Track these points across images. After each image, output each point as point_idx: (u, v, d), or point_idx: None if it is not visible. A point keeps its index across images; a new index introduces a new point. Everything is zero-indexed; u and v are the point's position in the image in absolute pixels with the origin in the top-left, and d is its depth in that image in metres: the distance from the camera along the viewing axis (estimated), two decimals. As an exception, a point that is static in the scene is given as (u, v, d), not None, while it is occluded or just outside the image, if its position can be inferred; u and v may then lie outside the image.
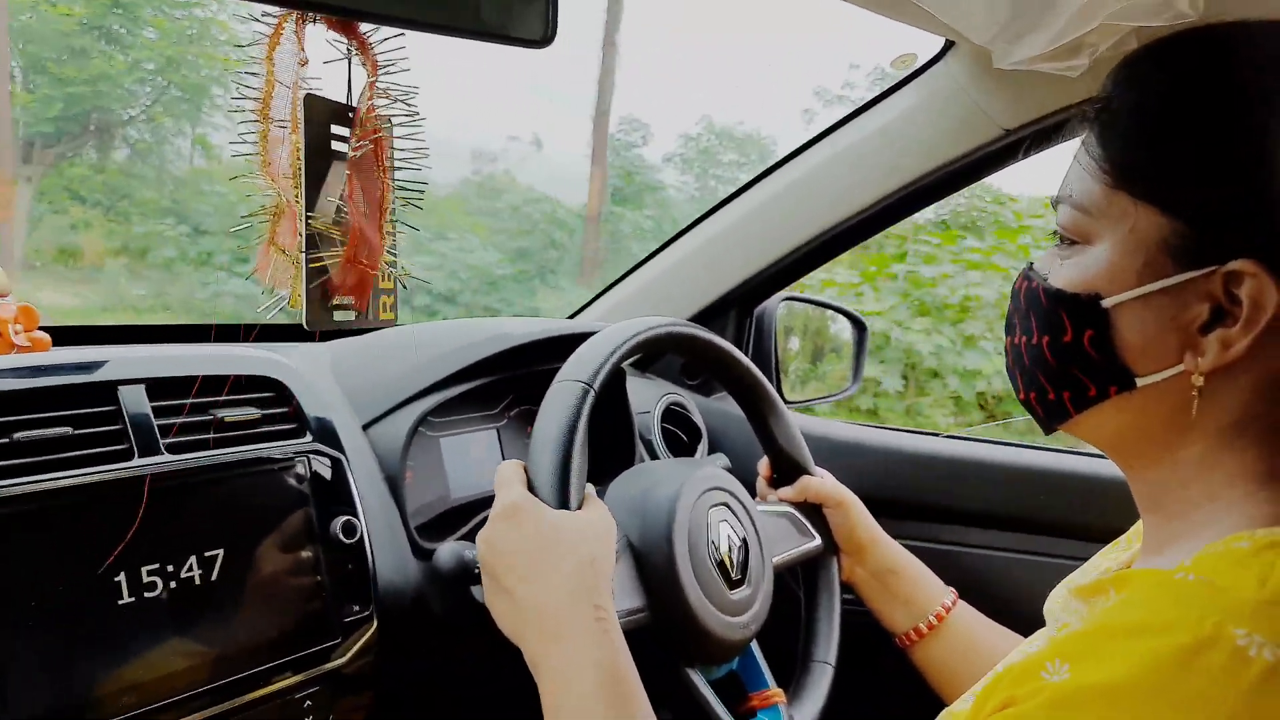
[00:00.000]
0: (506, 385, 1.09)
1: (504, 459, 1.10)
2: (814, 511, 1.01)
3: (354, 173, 0.59)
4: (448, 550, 0.81)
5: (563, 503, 0.72)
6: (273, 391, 0.82)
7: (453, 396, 0.99)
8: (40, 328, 0.87)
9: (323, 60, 0.62)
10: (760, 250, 1.32)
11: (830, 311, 1.71)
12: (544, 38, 0.66)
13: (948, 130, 1.14)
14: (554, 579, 0.67)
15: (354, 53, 0.61)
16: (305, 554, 0.78)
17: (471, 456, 1.07)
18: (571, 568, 0.68)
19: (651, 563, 0.78)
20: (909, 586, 0.96)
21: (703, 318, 1.40)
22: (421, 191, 0.64)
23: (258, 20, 0.61)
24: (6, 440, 0.65)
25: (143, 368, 0.74)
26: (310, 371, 0.89)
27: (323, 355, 1.01)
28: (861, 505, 1.01)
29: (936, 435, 1.33)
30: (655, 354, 0.88)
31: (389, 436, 0.93)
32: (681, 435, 1.29)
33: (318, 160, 0.57)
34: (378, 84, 0.61)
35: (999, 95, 1.08)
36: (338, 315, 0.61)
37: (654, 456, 1.21)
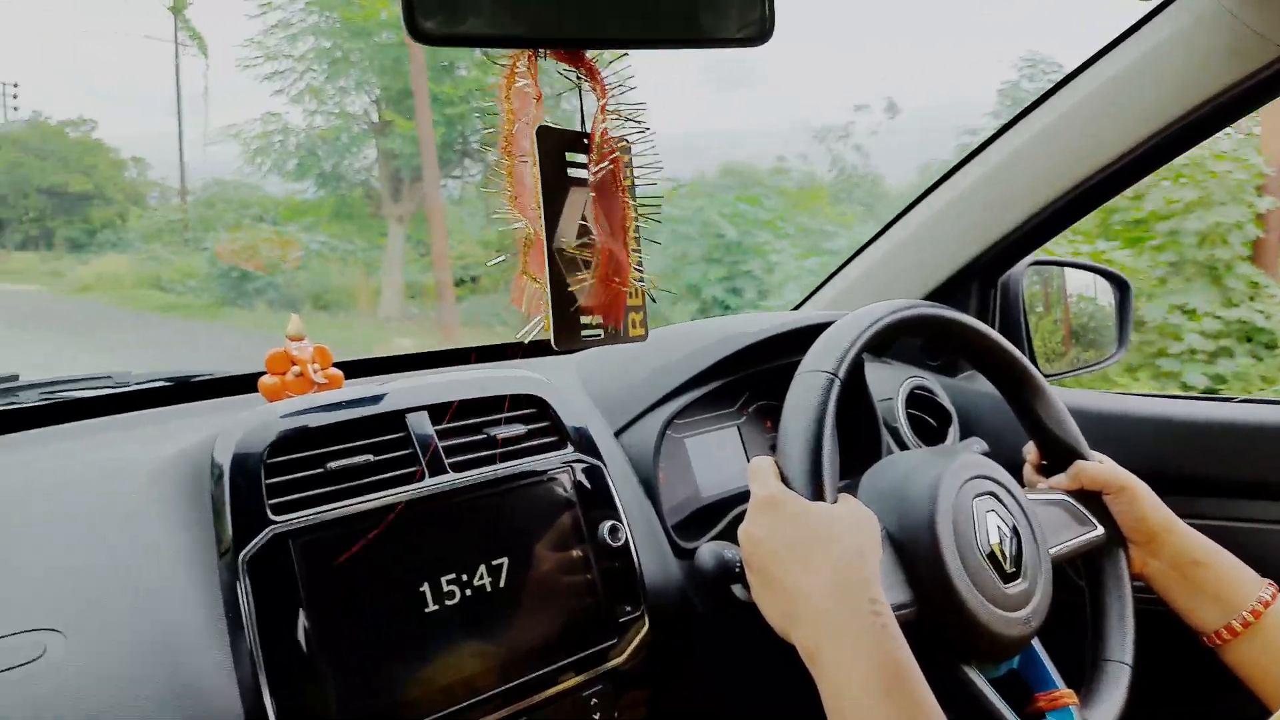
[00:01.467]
0: (743, 382, 1.10)
1: (747, 455, 1.11)
2: (1093, 499, 0.92)
3: (596, 196, 0.62)
4: (707, 550, 0.83)
5: (817, 494, 0.71)
6: (534, 408, 0.88)
7: (694, 399, 1.01)
8: (333, 363, 0.99)
9: (556, 92, 0.65)
10: (1002, 213, 1.23)
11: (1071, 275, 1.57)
12: (761, 34, 0.65)
13: (1214, 58, 1.00)
14: (823, 570, 0.66)
15: (583, 80, 0.63)
16: (578, 558, 0.83)
17: (716, 455, 1.09)
18: (839, 558, 0.66)
19: (915, 555, 0.75)
20: (1217, 578, 0.85)
21: (940, 295, 1.33)
22: (659, 205, 0.66)
23: (495, 62, 0.65)
24: (321, 470, 0.74)
25: (424, 395, 0.82)
26: (564, 385, 0.94)
27: (569, 367, 1.07)
28: (1148, 489, 0.91)
29: (1229, 399, 1.18)
30: (895, 339, 0.85)
31: (639, 441, 0.96)
32: (930, 421, 1.24)
33: (555, 189, 0.60)
34: (608, 106, 0.64)
35: (1274, 10, 0.94)
36: (586, 334, 0.64)
37: (902, 446, 1.17)
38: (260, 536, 0.69)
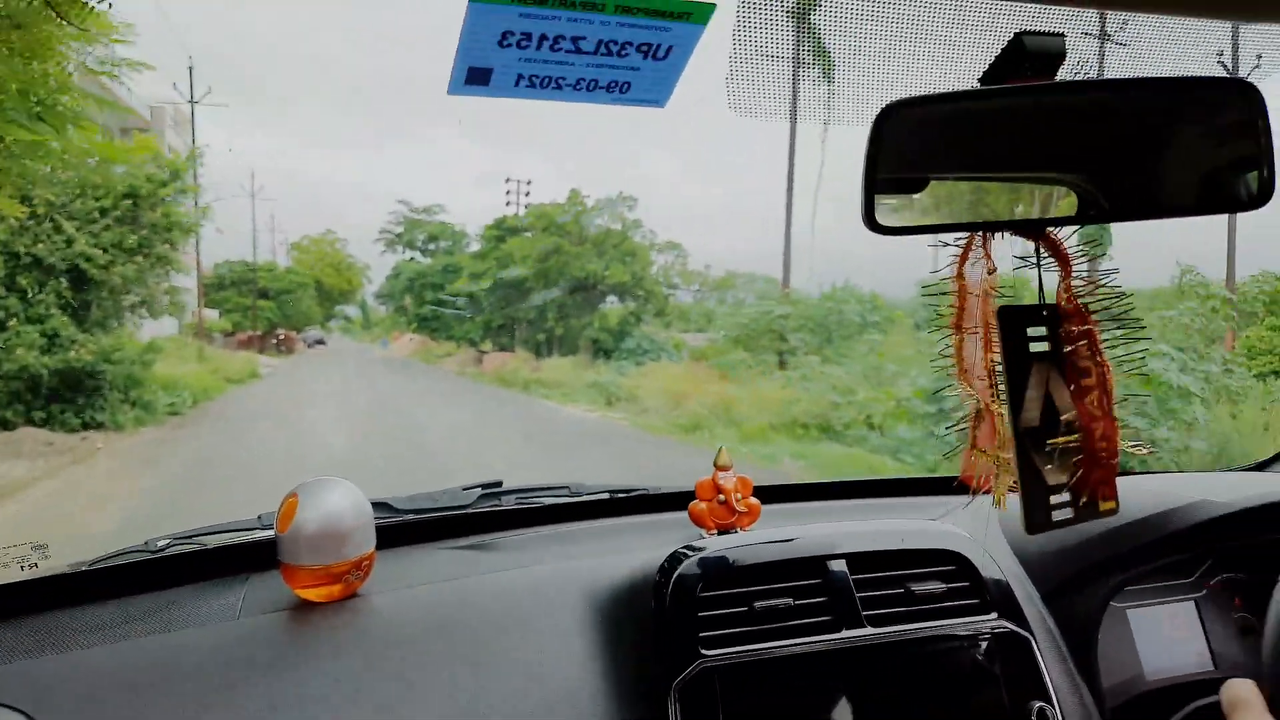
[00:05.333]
0: (1206, 550, 0.95)
1: (1207, 638, 0.95)
2: None
3: (1071, 368, 0.59)
4: None
5: None
6: (954, 565, 0.84)
7: (1146, 570, 0.89)
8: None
9: (1011, 268, 0.64)
10: None
11: None
12: (1259, 198, 0.58)
13: None
14: None
15: (1043, 255, 0.61)
16: None
17: (1165, 632, 0.94)
18: None
19: None
20: None
21: None
22: (1143, 358, 0.62)
23: (946, 244, 0.66)
24: (747, 609, 0.78)
25: (843, 543, 0.83)
26: (988, 539, 0.89)
27: (986, 513, 1.00)
28: None
29: None
30: None
31: (1075, 610, 0.87)
32: None
33: (1018, 368, 0.59)
34: (1073, 279, 0.61)
35: None
36: (1056, 515, 0.61)
37: None
38: (692, 667, 0.74)
